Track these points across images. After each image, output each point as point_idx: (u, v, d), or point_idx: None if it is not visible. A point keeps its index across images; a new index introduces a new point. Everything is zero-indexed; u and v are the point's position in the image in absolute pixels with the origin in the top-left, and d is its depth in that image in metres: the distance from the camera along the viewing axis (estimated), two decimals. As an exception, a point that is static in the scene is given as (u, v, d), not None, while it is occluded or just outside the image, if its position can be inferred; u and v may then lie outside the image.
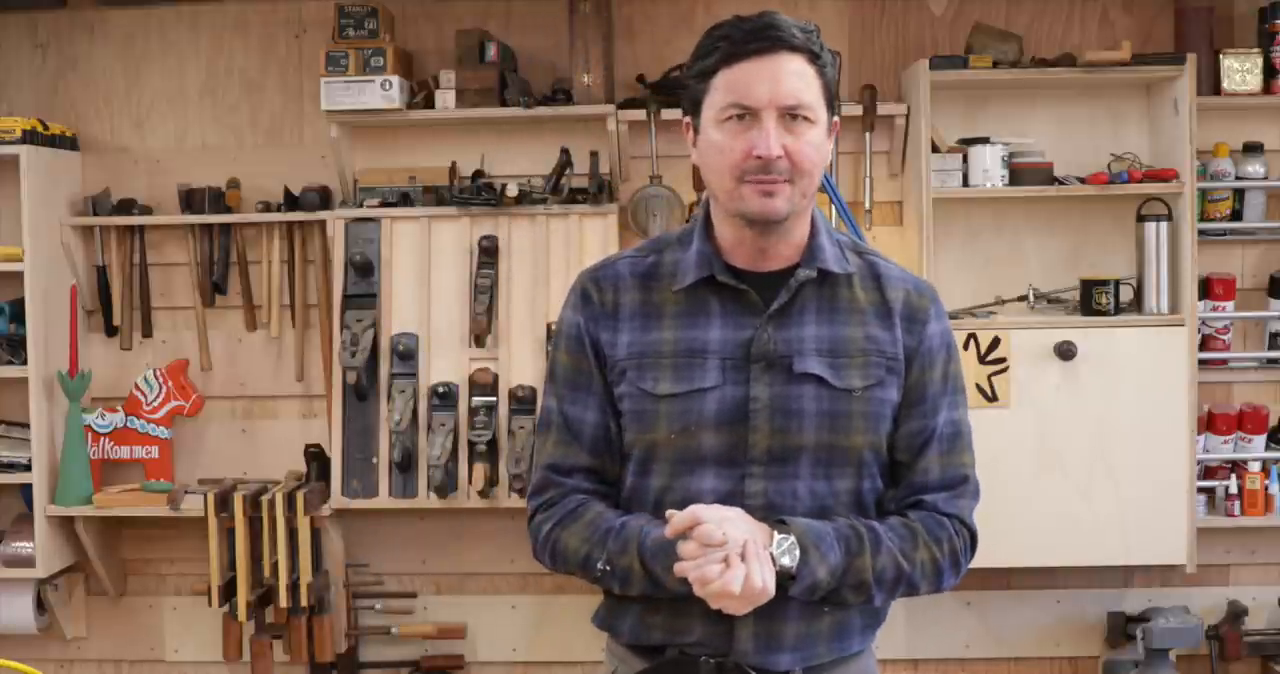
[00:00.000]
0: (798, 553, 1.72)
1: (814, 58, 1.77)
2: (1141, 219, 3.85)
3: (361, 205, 4.05)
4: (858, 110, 3.92)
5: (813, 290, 1.84)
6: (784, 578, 1.72)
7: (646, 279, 1.88)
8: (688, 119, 1.87)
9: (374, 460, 3.96)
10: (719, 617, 1.75)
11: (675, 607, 1.81)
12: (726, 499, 1.76)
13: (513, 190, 3.93)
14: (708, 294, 1.84)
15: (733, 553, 1.66)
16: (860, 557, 1.77)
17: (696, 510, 1.69)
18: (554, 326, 1.99)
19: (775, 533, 1.73)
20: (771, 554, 1.70)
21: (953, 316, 3.85)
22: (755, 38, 1.76)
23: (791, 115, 1.76)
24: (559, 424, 1.89)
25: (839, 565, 1.75)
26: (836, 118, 1.84)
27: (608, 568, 1.80)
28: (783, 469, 1.80)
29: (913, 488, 1.87)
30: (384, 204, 4.04)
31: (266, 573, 3.85)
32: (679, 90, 1.99)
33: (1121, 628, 4.05)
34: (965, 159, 3.87)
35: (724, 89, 1.77)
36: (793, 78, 1.75)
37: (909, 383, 1.86)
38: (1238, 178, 3.94)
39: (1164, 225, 3.82)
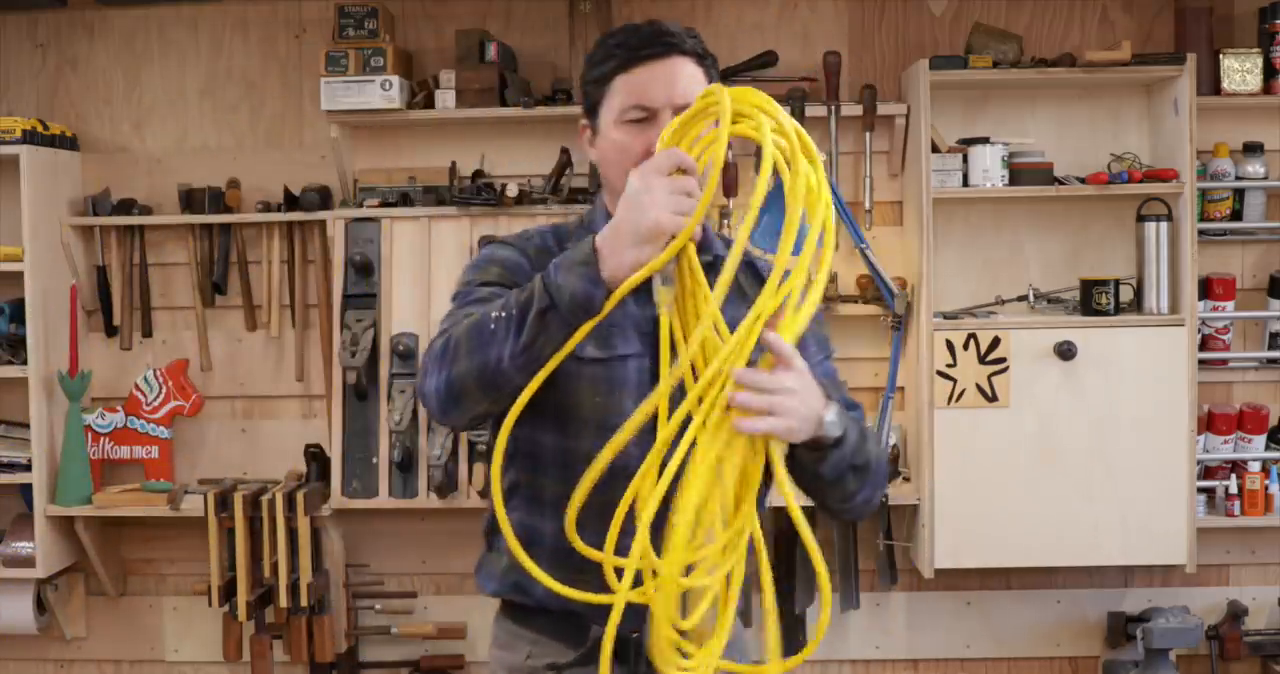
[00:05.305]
0: (839, 424, 1.77)
1: (702, 60, 1.89)
2: (1141, 219, 3.84)
3: (361, 205, 4.05)
4: (858, 110, 3.92)
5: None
6: (823, 445, 1.76)
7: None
8: (585, 122, 1.97)
9: (374, 460, 3.96)
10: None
11: (590, 568, 1.77)
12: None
13: (513, 190, 3.93)
14: None
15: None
16: (866, 442, 1.86)
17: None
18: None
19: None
20: (822, 417, 1.74)
21: (953, 317, 3.86)
22: (650, 44, 1.87)
23: None
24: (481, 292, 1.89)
25: (855, 441, 1.82)
26: None
27: (502, 314, 1.73)
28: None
29: None
30: (384, 204, 4.04)
31: (266, 573, 3.85)
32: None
33: (1121, 628, 4.05)
34: (965, 159, 3.87)
35: (623, 93, 1.88)
36: (687, 79, 1.87)
37: None
38: (1238, 178, 3.94)
39: (1164, 225, 3.82)
